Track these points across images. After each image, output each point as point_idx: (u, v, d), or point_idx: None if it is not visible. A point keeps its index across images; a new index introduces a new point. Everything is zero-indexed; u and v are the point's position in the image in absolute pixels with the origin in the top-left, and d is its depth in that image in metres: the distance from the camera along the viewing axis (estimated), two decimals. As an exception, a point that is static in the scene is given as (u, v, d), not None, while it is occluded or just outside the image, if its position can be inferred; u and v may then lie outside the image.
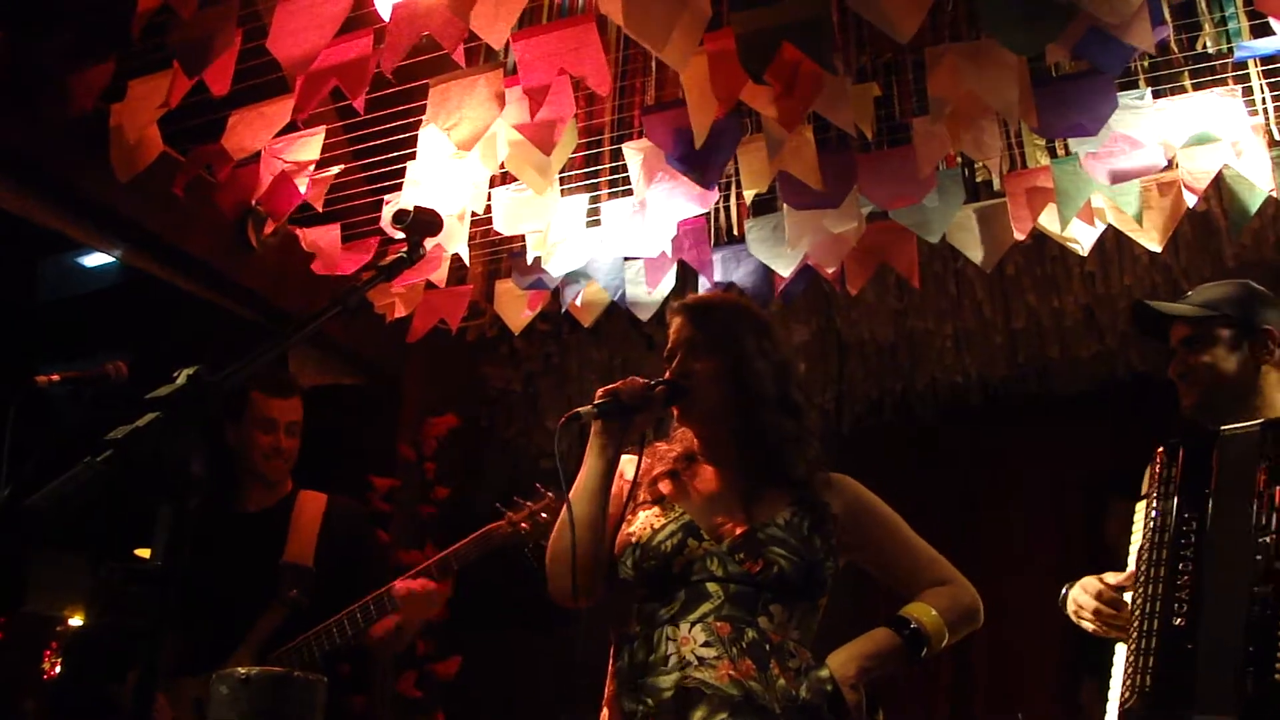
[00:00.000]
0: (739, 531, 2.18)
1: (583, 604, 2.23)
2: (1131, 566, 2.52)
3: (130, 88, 3.59)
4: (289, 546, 3.41)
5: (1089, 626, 2.52)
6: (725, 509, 2.24)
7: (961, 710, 5.80)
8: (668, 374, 2.32)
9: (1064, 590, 2.64)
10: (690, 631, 2.09)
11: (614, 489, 2.29)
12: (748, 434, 2.28)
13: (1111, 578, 2.53)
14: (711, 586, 2.13)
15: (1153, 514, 2.43)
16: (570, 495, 2.22)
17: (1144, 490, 2.66)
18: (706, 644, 2.07)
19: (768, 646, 2.09)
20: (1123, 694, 2.31)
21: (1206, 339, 2.59)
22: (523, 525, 3.26)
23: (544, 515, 3.23)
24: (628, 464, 2.33)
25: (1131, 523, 2.60)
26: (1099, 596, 2.49)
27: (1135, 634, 2.33)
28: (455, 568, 3.30)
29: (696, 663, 2.06)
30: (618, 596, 2.24)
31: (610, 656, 2.24)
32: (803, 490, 2.26)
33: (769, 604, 2.13)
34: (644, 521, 2.23)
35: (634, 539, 2.20)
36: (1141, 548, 2.43)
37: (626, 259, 4.28)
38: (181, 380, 1.34)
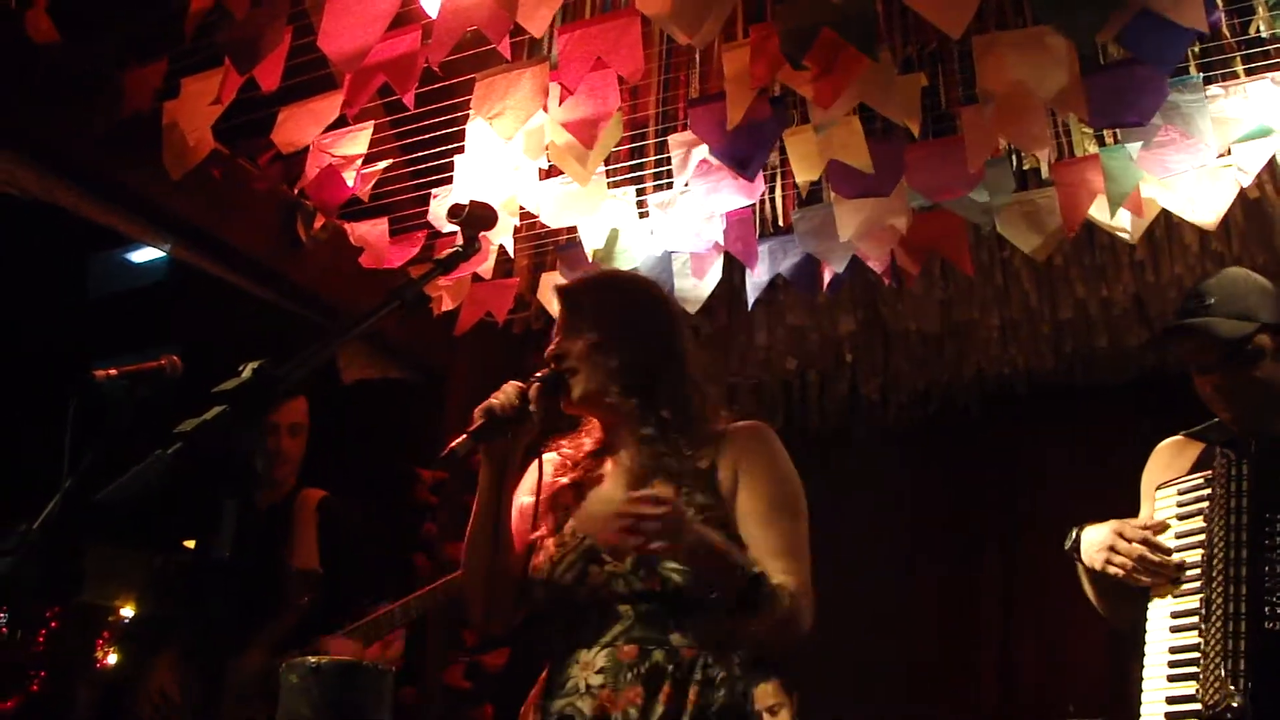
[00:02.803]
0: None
1: (496, 630, 2.25)
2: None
3: (183, 85, 3.64)
4: (296, 550, 3.50)
5: (1115, 572, 2.42)
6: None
7: (1009, 701, 5.78)
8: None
9: (1074, 533, 2.55)
10: (594, 656, 2.03)
11: (526, 500, 2.23)
12: (628, 409, 2.18)
13: (1136, 526, 2.46)
14: (622, 607, 2.05)
15: (1222, 510, 2.36)
16: (468, 529, 2.17)
17: (1157, 479, 2.62)
18: (600, 670, 2.01)
19: (671, 667, 1.99)
20: (1207, 695, 2.24)
21: (1256, 353, 2.49)
22: None
23: None
24: (549, 464, 2.29)
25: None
26: (1146, 543, 2.41)
27: (1217, 632, 2.27)
28: (399, 624, 3.34)
29: (584, 690, 2.01)
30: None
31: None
32: (685, 470, 2.12)
33: (681, 618, 2.03)
34: (545, 553, 2.15)
35: (537, 575, 2.14)
36: (1211, 542, 2.36)
37: (672, 251, 4.29)
38: (246, 374, 1.36)
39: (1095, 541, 2.49)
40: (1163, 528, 2.46)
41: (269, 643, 3.33)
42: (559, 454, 2.31)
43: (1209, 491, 2.44)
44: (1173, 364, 5.49)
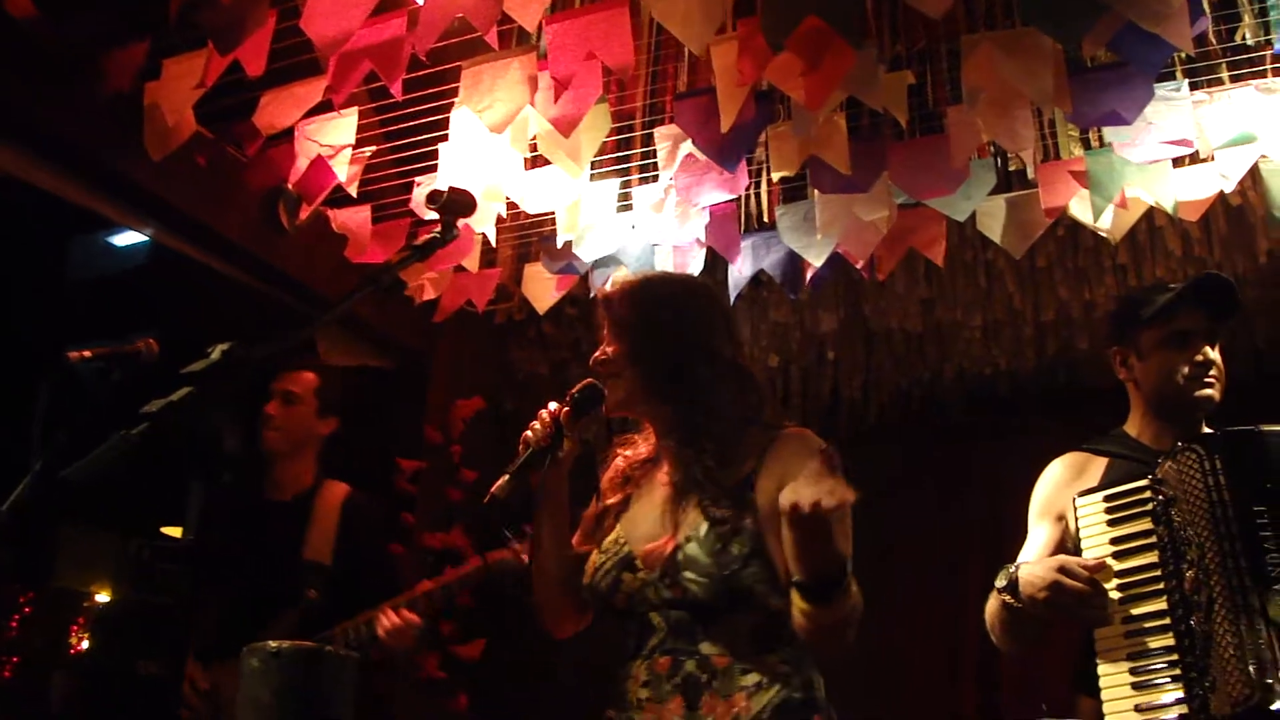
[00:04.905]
0: (666, 553, 2.11)
1: (567, 634, 2.34)
2: (1097, 555, 2.46)
3: (165, 67, 3.61)
4: (310, 540, 3.48)
5: (1059, 607, 2.39)
6: (660, 525, 2.18)
7: (987, 701, 5.80)
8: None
9: (1012, 570, 2.52)
10: (637, 669, 2.10)
11: (586, 516, 2.34)
12: (661, 416, 2.26)
13: (1080, 563, 2.42)
14: (654, 618, 2.10)
15: (1203, 505, 2.34)
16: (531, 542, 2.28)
17: (1060, 493, 2.68)
18: (645, 683, 2.07)
19: (706, 677, 2.03)
20: (1236, 691, 2.17)
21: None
22: (523, 556, 3.29)
23: None
24: (612, 470, 2.37)
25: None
26: (1093, 581, 2.38)
27: (1225, 627, 2.23)
28: (444, 601, 3.35)
29: (635, 705, 2.07)
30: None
31: None
32: (713, 482, 2.15)
33: (708, 627, 2.07)
34: (592, 560, 2.23)
35: (584, 581, 2.22)
36: (1199, 537, 2.33)
37: (655, 244, 4.28)
38: (215, 355, 1.35)
39: (1037, 578, 2.44)
40: (1103, 568, 2.41)
41: (278, 636, 3.32)
42: (620, 459, 2.37)
43: (1149, 495, 2.43)
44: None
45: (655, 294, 2.31)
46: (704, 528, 2.09)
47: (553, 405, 2.25)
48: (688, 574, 2.05)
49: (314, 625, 3.33)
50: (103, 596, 9.40)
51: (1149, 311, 2.70)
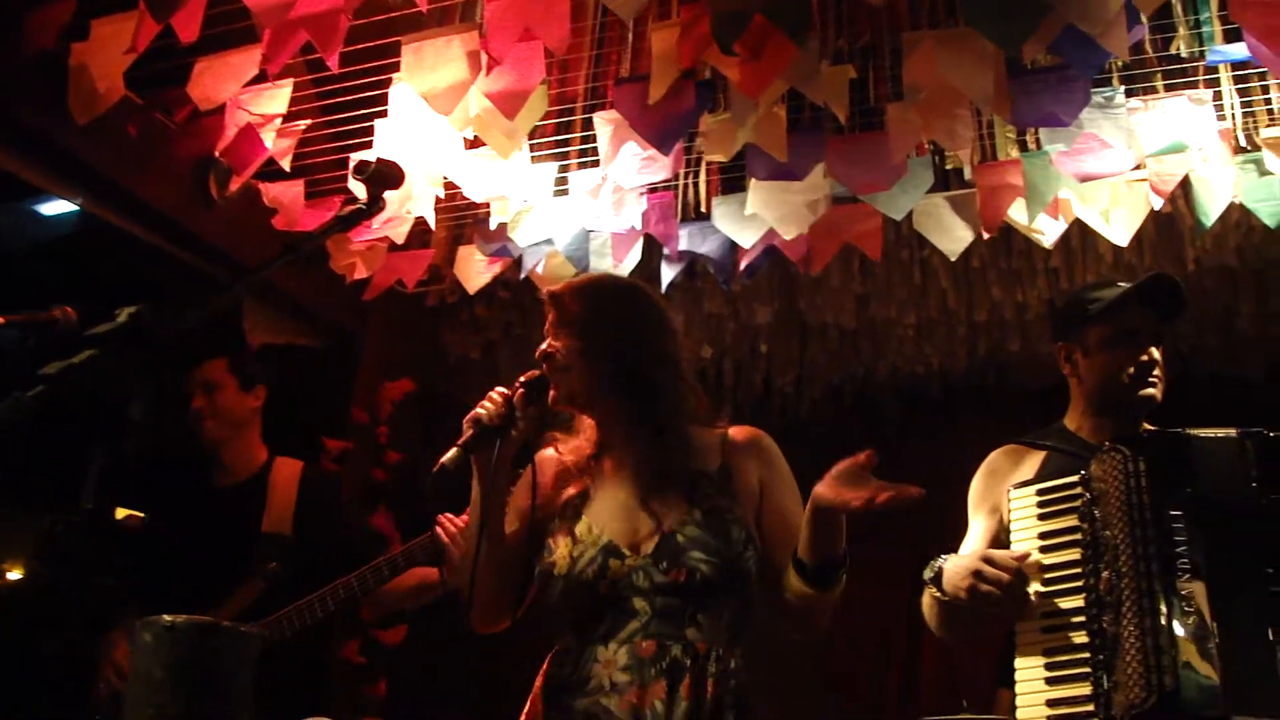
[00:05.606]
0: (656, 537, 2.15)
1: (493, 629, 2.32)
2: (1025, 548, 2.47)
3: (93, 28, 3.50)
4: (268, 515, 3.43)
5: (983, 596, 2.37)
6: (637, 512, 2.21)
7: (910, 695, 5.84)
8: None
9: (937, 563, 2.53)
10: (615, 653, 2.10)
11: (523, 502, 2.30)
12: (618, 410, 2.27)
13: (1004, 554, 2.44)
14: (639, 603, 2.11)
15: (1121, 507, 2.35)
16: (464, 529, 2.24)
17: (998, 485, 2.69)
18: (625, 668, 2.08)
19: (689, 661, 2.08)
20: (1134, 695, 2.20)
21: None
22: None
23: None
24: (547, 462, 2.36)
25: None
26: (1016, 571, 2.38)
27: (1131, 630, 2.25)
28: (376, 582, 3.25)
29: (609, 688, 2.07)
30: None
31: (546, 660, 2.24)
32: (695, 474, 2.23)
33: (696, 614, 2.11)
34: (561, 551, 2.20)
35: (556, 571, 2.18)
36: (1116, 537, 2.34)
37: (591, 230, 4.25)
38: (122, 318, 1.29)
39: (960, 569, 2.45)
40: (1027, 557, 2.43)
41: (233, 612, 3.25)
42: (557, 454, 2.37)
43: (1079, 491, 2.44)
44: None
45: (608, 292, 2.36)
46: (698, 514, 2.16)
47: (501, 389, 2.25)
48: (695, 554, 2.10)
49: (280, 595, 3.27)
50: (14, 575, 9.15)
51: (1097, 308, 2.69)
